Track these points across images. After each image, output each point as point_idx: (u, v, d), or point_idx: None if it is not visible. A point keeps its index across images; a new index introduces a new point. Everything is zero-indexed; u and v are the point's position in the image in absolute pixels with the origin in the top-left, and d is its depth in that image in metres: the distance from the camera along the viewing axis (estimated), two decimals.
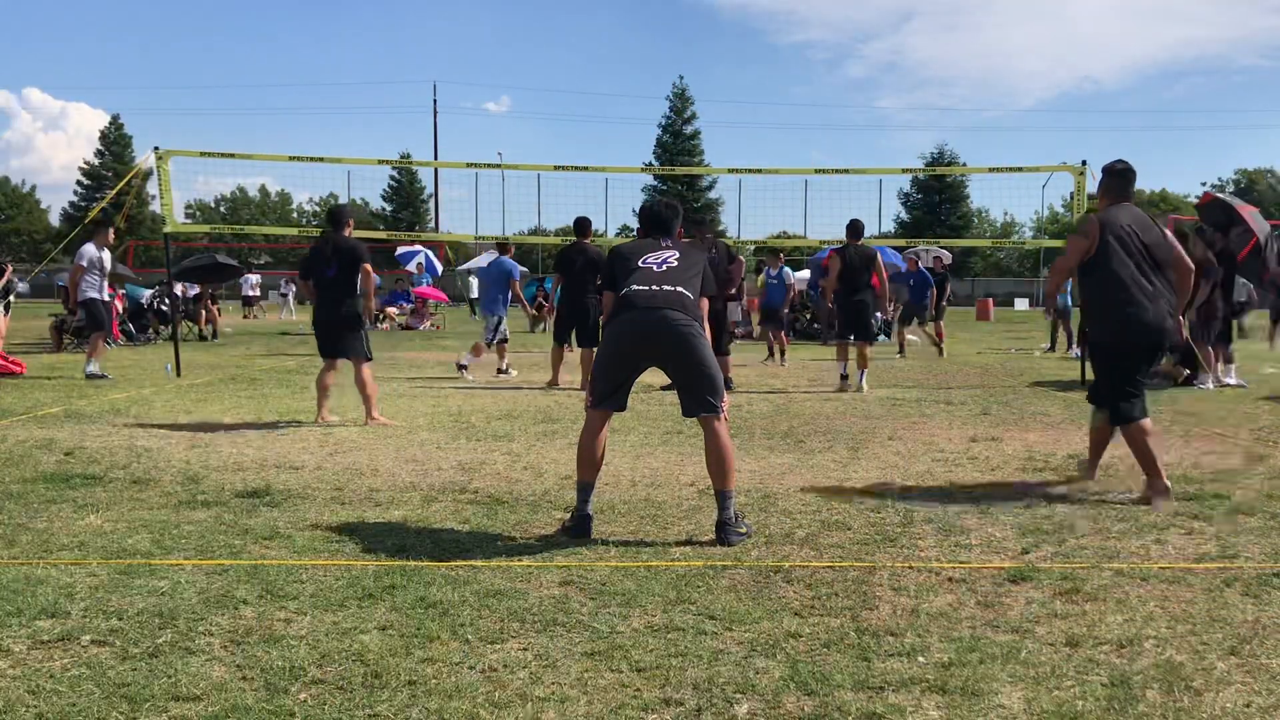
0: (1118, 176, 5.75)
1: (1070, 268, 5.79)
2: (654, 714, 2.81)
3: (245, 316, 32.80)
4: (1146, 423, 5.51)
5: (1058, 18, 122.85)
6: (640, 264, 4.91)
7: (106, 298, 12.42)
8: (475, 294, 32.70)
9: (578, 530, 4.69)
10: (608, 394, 4.85)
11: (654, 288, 4.79)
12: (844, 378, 11.22)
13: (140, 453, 6.76)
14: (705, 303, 4.94)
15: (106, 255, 12.33)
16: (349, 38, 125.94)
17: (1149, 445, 5.43)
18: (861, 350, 11.08)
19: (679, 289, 4.80)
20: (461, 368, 12.38)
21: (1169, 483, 5.44)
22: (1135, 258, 5.49)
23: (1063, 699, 2.91)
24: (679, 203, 5.52)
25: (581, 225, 11.61)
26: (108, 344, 17.31)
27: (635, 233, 5.50)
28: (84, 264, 12.10)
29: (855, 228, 11.25)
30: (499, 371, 12.69)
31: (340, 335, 8.21)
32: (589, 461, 4.81)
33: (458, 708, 2.82)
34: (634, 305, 4.76)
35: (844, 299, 11.15)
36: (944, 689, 2.96)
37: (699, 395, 4.76)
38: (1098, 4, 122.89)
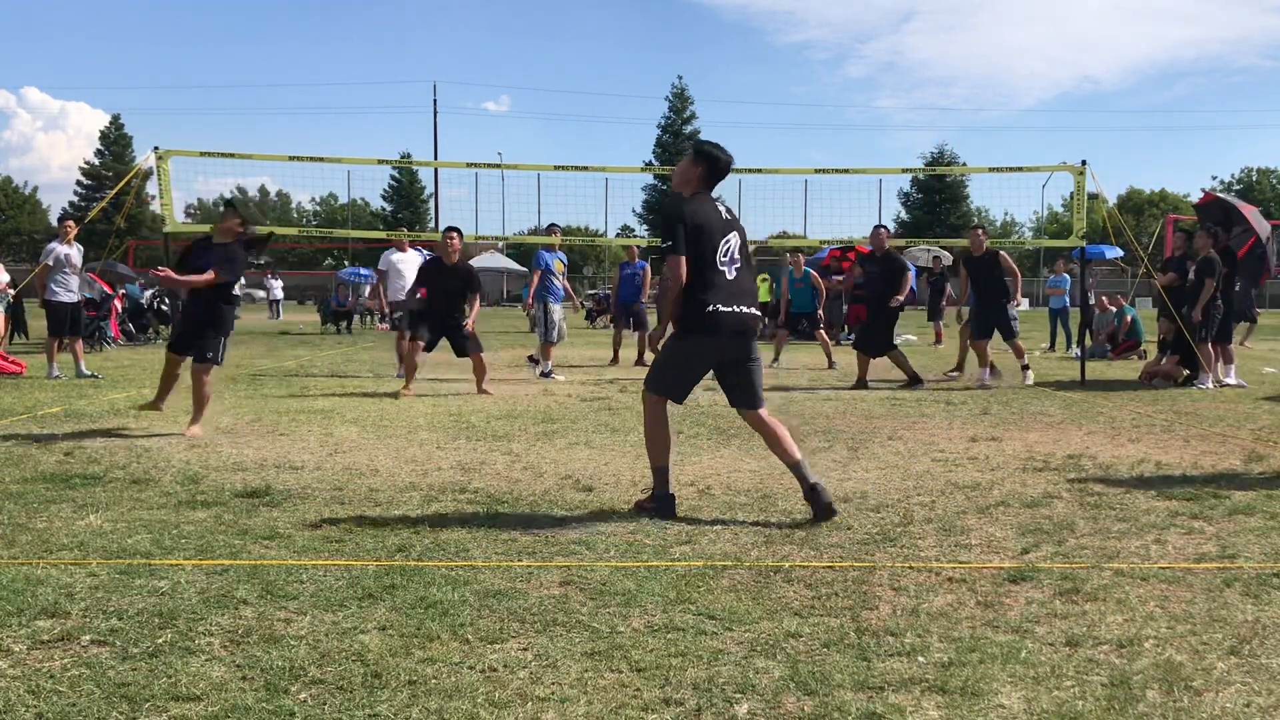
0: None
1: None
2: (654, 714, 2.81)
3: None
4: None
5: (1058, 18, 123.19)
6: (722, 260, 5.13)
7: (73, 298, 12.07)
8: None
9: (664, 510, 5.09)
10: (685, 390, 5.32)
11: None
12: (992, 373, 11.82)
13: (140, 453, 6.76)
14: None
15: (75, 251, 12.12)
16: (349, 38, 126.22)
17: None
18: (1015, 346, 11.82)
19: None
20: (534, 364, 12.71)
21: None
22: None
23: (1063, 699, 2.91)
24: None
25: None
26: (110, 344, 17.40)
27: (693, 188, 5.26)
28: (50, 262, 11.91)
29: (975, 239, 11.97)
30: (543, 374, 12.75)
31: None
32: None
33: (458, 708, 2.82)
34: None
35: (980, 302, 11.90)
36: (944, 689, 2.96)
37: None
38: (1098, 4, 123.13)
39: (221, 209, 7.90)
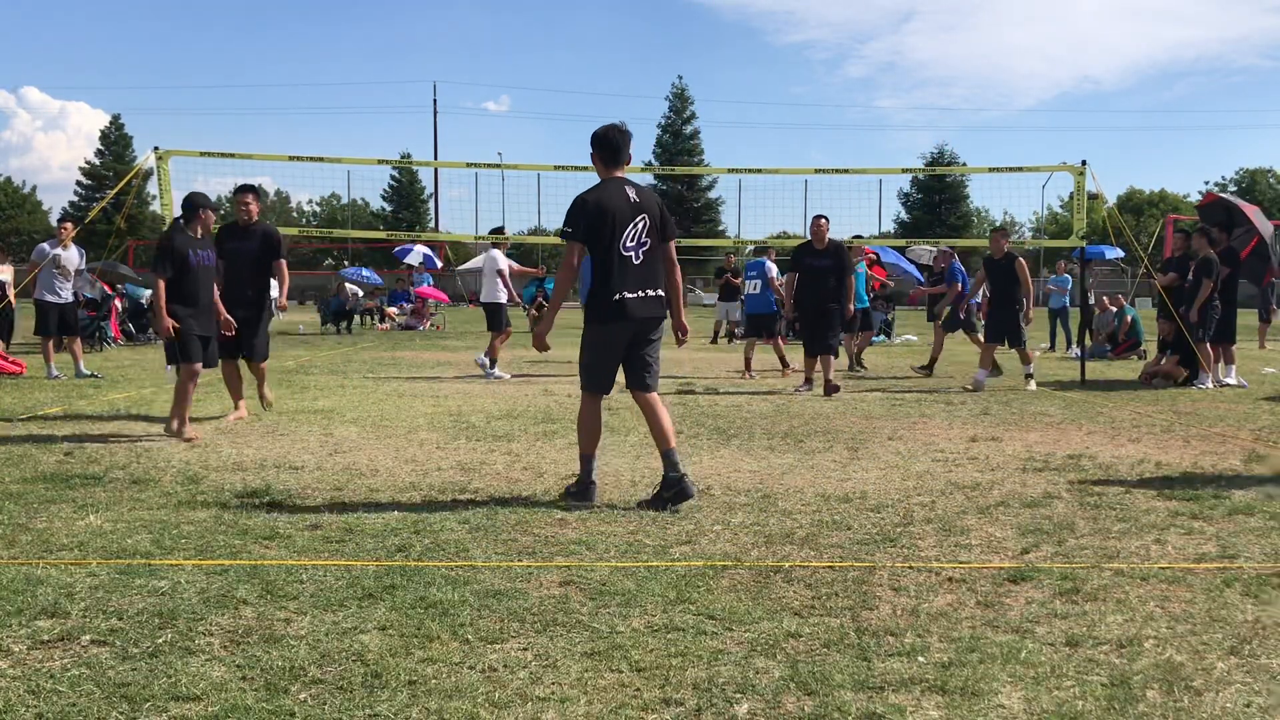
0: None
1: None
2: (654, 714, 2.81)
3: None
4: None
5: (1058, 18, 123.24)
6: (623, 250, 5.21)
7: (60, 299, 12.09)
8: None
9: (584, 496, 5.29)
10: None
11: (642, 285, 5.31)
12: (994, 373, 11.77)
13: (140, 453, 6.76)
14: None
15: (68, 253, 12.12)
16: (349, 37, 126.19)
17: None
18: (1022, 353, 11.67)
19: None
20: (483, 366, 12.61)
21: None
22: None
23: (1063, 699, 2.91)
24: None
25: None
26: (110, 344, 17.38)
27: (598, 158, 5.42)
28: (37, 261, 12.01)
29: (996, 242, 11.78)
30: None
31: None
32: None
33: (458, 708, 2.82)
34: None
35: (997, 306, 11.75)
36: (944, 689, 2.96)
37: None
38: (1098, 4, 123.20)
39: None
